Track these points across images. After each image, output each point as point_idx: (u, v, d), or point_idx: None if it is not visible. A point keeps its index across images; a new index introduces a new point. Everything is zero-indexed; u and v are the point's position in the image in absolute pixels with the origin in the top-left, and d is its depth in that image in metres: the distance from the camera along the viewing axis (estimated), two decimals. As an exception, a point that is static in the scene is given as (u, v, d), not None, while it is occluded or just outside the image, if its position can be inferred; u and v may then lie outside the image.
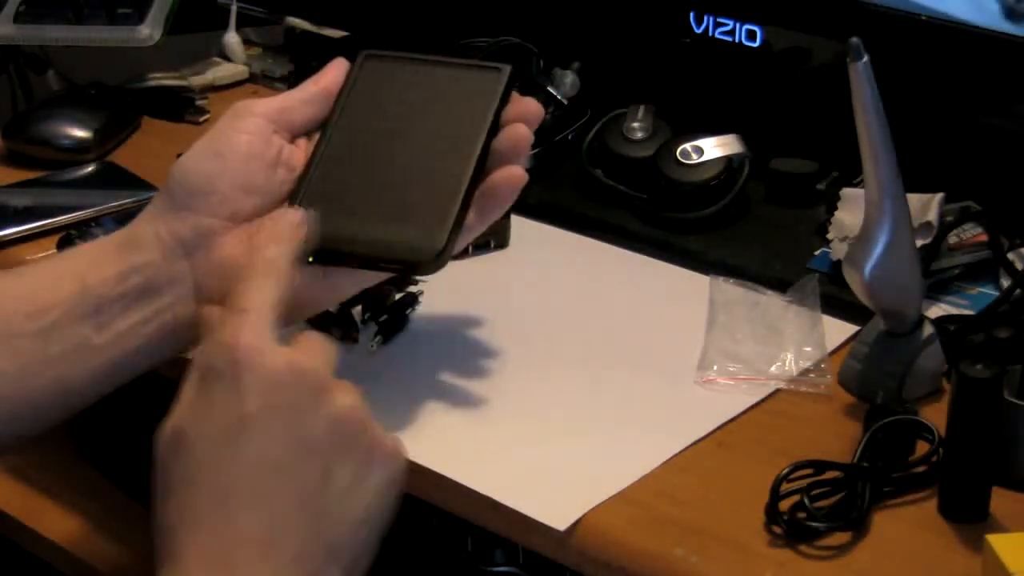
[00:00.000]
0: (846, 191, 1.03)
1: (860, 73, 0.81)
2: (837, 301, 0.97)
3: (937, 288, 0.99)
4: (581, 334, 0.98)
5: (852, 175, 1.03)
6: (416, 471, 0.80)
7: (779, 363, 0.92)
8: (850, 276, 0.87)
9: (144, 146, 1.29)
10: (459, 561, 0.91)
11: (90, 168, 1.23)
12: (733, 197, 1.09)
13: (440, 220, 0.82)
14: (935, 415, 0.84)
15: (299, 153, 0.87)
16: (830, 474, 0.81)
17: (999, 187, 1.03)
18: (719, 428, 0.88)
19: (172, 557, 0.67)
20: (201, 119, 1.32)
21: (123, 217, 1.01)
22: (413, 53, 0.90)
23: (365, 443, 0.71)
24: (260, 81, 1.40)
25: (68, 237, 1.09)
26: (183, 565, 0.67)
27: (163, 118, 1.33)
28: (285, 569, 0.67)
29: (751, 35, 1.13)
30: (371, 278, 0.87)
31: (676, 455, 0.85)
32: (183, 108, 1.33)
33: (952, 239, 0.99)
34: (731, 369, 0.92)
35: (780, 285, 0.99)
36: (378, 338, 0.95)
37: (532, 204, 1.10)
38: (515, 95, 0.88)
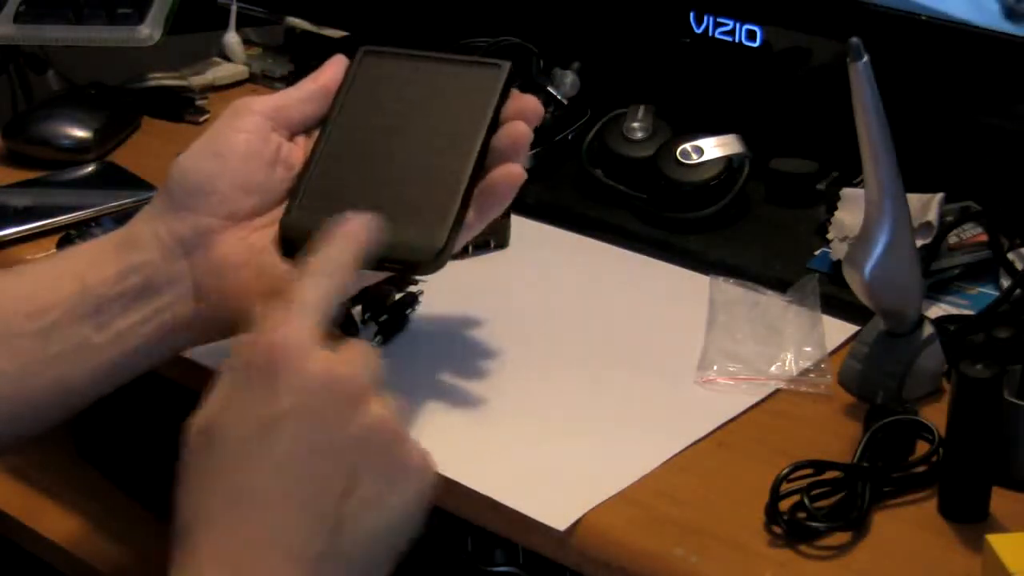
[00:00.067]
0: (846, 191, 1.03)
1: (860, 73, 0.81)
2: (837, 301, 0.97)
3: (937, 288, 0.99)
4: (581, 334, 0.98)
5: (852, 175, 1.03)
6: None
7: (779, 363, 0.92)
8: (850, 276, 0.87)
9: (144, 146, 1.29)
10: (459, 561, 0.91)
11: (90, 168, 1.23)
12: (733, 197, 1.09)
13: (440, 219, 0.82)
14: (935, 415, 0.84)
15: (298, 151, 0.87)
16: (830, 474, 0.81)
17: (999, 187, 1.03)
18: (719, 428, 0.88)
19: (187, 551, 0.67)
20: (201, 119, 1.32)
21: (123, 217, 1.01)
22: (412, 49, 0.90)
23: (395, 456, 0.70)
24: (260, 81, 1.40)
25: (68, 237, 1.09)
26: (196, 561, 0.67)
27: (163, 118, 1.33)
28: (299, 575, 0.67)
29: (751, 35, 1.13)
30: (370, 277, 0.86)
31: (676, 455, 0.85)
32: (183, 108, 1.33)
33: (952, 239, 0.99)
34: (731, 369, 0.92)
35: (780, 285, 0.99)
36: (378, 338, 0.95)
37: (532, 204, 1.10)
38: (515, 92, 0.87)
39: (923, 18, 1.03)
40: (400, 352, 0.96)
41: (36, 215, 1.13)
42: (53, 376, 0.82)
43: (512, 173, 0.85)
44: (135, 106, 1.32)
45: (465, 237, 0.86)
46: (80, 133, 1.24)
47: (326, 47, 1.36)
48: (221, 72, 1.39)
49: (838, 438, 0.86)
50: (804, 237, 1.06)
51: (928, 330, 0.89)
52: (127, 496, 1.09)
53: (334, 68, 0.88)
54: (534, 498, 0.81)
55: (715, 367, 0.92)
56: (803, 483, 0.80)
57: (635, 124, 1.13)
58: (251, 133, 0.85)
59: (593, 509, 0.81)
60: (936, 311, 0.97)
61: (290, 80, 1.36)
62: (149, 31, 1.29)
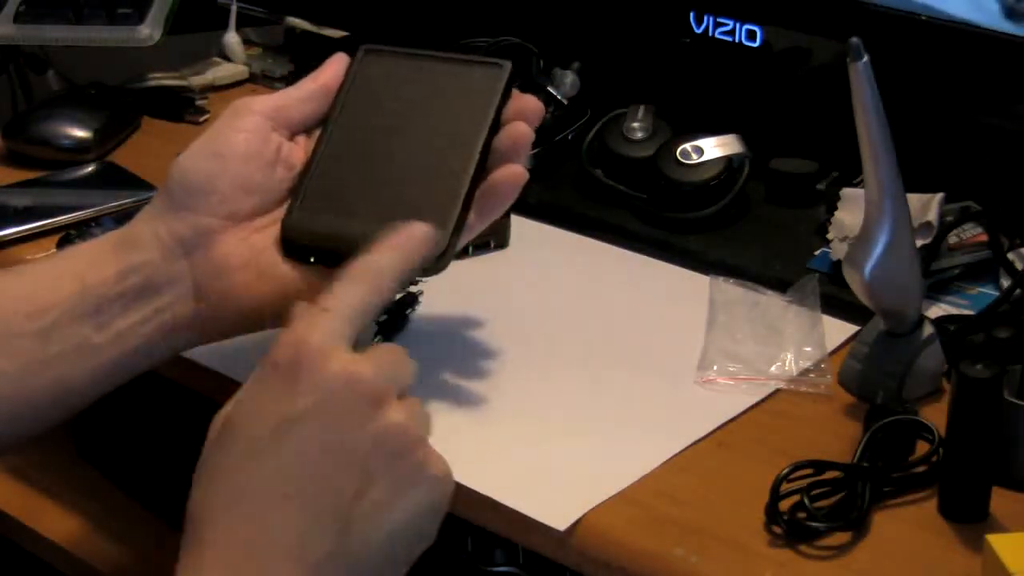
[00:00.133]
0: (846, 191, 1.03)
1: (860, 73, 0.81)
2: (837, 301, 0.97)
3: (937, 288, 0.99)
4: (581, 334, 0.98)
5: (852, 175, 1.03)
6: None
7: (779, 363, 0.92)
8: (850, 276, 0.87)
9: (144, 146, 1.29)
10: (459, 561, 0.91)
11: (90, 168, 1.23)
12: (733, 197, 1.09)
13: (441, 222, 0.82)
14: (935, 415, 0.84)
15: (298, 151, 0.87)
16: (830, 474, 0.81)
17: (999, 187, 1.03)
18: (719, 428, 0.88)
19: (191, 548, 0.67)
20: (201, 119, 1.32)
21: (123, 217, 1.01)
22: (412, 49, 0.90)
23: (411, 464, 0.69)
24: (260, 81, 1.40)
25: (68, 237, 1.09)
26: (199, 557, 0.67)
27: (163, 118, 1.33)
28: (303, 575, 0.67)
29: (751, 35, 1.13)
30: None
31: (676, 455, 0.85)
32: (183, 108, 1.33)
33: (952, 239, 0.99)
34: (731, 369, 0.92)
35: (780, 285, 0.99)
36: (378, 338, 0.95)
37: (532, 204, 1.10)
38: (516, 92, 0.87)
39: (923, 18, 1.03)
40: (400, 352, 0.96)
41: (36, 215, 1.13)
42: (53, 376, 0.82)
43: (514, 173, 0.85)
44: (135, 106, 1.32)
45: (466, 238, 0.85)
46: (80, 133, 1.24)
47: (326, 47, 1.36)
48: (221, 72, 1.39)
49: (838, 438, 0.86)
50: (804, 237, 1.06)
51: (928, 330, 0.89)
52: (127, 496, 1.09)
53: (335, 67, 0.88)
54: (534, 498, 0.81)
55: (715, 367, 0.92)
56: (803, 483, 0.80)
57: (635, 124, 1.13)
58: (251, 133, 0.84)
59: (593, 509, 0.81)
60: (936, 311, 0.97)
61: (290, 80, 1.36)
62: (149, 31, 1.29)
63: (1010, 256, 0.99)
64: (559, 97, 1.18)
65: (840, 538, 0.78)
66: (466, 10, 1.32)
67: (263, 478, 0.67)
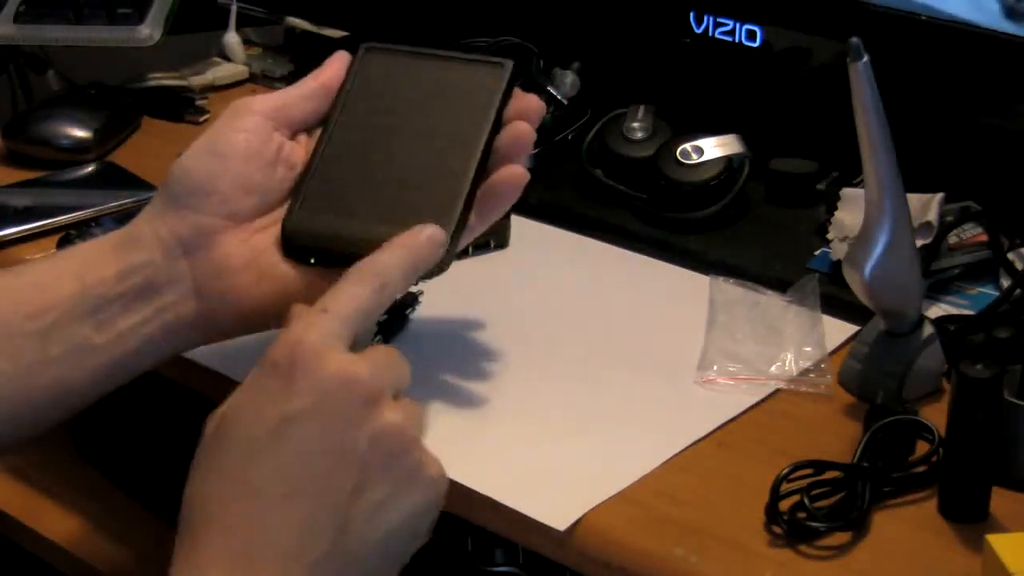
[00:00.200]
0: (846, 191, 1.03)
1: (860, 73, 0.81)
2: (837, 301, 0.97)
3: (937, 288, 0.99)
4: (581, 334, 0.98)
5: (852, 175, 1.03)
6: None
7: (779, 363, 0.92)
8: (850, 276, 0.87)
9: (144, 146, 1.29)
10: (459, 561, 0.91)
11: (90, 168, 1.23)
12: (733, 197, 1.09)
13: (443, 223, 0.82)
14: (935, 415, 0.84)
15: (299, 150, 0.87)
16: (830, 474, 0.81)
17: (999, 187, 1.03)
18: (719, 428, 0.88)
19: (187, 547, 0.67)
20: (201, 119, 1.32)
21: (123, 217, 1.01)
22: (414, 47, 0.89)
23: (406, 464, 0.70)
24: (260, 81, 1.40)
25: (68, 237, 1.09)
26: (196, 557, 0.67)
27: (163, 118, 1.33)
28: (300, 575, 0.67)
29: (751, 35, 1.13)
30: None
31: (676, 455, 0.85)
32: (183, 108, 1.33)
33: (952, 239, 0.99)
34: (731, 369, 0.92)
35: (780, 285, 0.99)
36: (378, 338, 0.95)
37: (532, 204, 1.10)
38: (517, 92, 0.87)
39: (923, 18, 1.03)
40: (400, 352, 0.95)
41: (36, 215, 1.13)
42: (53, 376, 0.82)
43: (515, 174, 0.85)
44: (135, 106, 1.32)
45: (467, 238, 0.85)
46: (80, 133, 1.24)
47: (326, 47, 1.36)
48: (221, 72, 1.39)
49: (838, 438, 0.86)
50: (804, 237, 1.06)
51: (928, 330, 0.89)
52: (127, 496, 1.09)
53: (336, 65, 0.88)
54: (534, 498, 0.81)
55: (715, 367, 0.92)
56: (803, 483, 0.80)
57: (635, 124, 1.13)
58: (251, 133, 0.84)
59: (593, 509, 0.81)
60: (936, 311, 0.97)
61: (290, 80, 1.35)
62: (149, 31, 1.29)
63: (1010, 256, 0.99)
64: (559, 97, 1.18)
65: (840, 538, 0.78)
66: (466, 10, 1.32)
67: (262, 478, 0.67)
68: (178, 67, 1.38)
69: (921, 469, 0.82)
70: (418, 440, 0.71)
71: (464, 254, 1.04)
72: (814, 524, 0.78)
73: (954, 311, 0.97)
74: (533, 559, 0.87)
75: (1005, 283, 0.98)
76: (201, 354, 0.90)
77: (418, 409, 0.71)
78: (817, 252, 1.04)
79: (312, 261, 0.83)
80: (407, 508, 0.70)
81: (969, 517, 0.79)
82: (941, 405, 0.86)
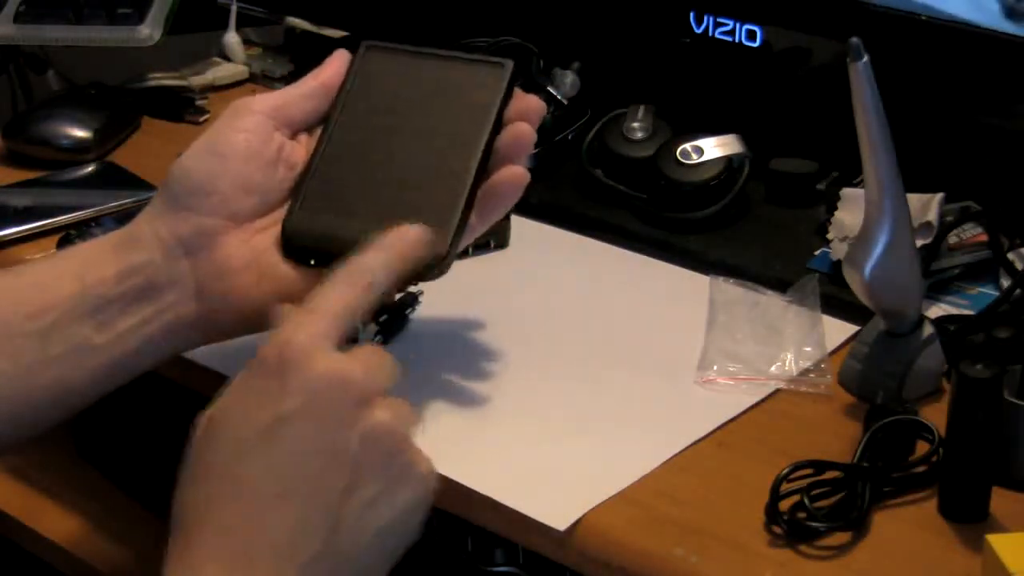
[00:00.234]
0: (846, 191, 1.03)
1: (860, 73, 0.81)
2: (837, 301, 0.97)
3: (937, 288, 0.99)
4: (581, 334, 0.98)
5: (852, 175, 1.03)
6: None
7: (779, 363, 0.92)
8: (850, 276, 0.87)
9: (144, 146, 1.29)
10: (459, 561, 0.91)
11: (90, 168, 1.23)
12: (733, 197, 1.09)
13: (443, 225, 0.82)
14: (935, 415, 0.84)
15: (300, 149, 0.86)
16: (830, 474, 0.81)
17: (999, 187, 1.03)
18: (719, 428, 0.88)
19: (181, 547, 0.67)
20: (201, 119, 1.32)
21: (123, 217, 1.01)
22: (414, 46, 0.89)
23: (398, 462, 0.70)
24: (260, 81, 1.40)
25: (68, 237, 1.09)
26: (191, 557, 0.67)
27: (163, 118, 1.33)
28: (295, 574, 0.67)
29: (751, 35, 1.13)
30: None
31: (676, 455, 0.85)
32: (183, 108, 1.33)
33: (952, 239, 0.99)
34: (731, 369, 0.92)
35: (780, 285, 0.99)
36: (378, 338, 0.95)
37: (532, 204, 1.10)
38: (518, 92, 0.87)
39: (923, 18, 1.03)
40: (400, 352, 0.95)
41: (36, 215, 1.13)
42: (53, 376, 0.82)
43: (516, 175, 0.85)
44: (135, 106, 1.32)
45: (467, 239, 0.85)
46: (80, 133, 1.24)
47: (326, 47, 1.36)
48: (221, 72, 1.39)
49: (838, 438, 0.86)
50: (804, 237, 1.06)
51: (928, 330, 0.89)
52: (127, 496, 1.09)
53: (336, 64, 0.88)
54: (534, 498, 0.81)
55: (715, 367, 0.92)
56: (803, 483, 0.80)
57: (635, 124, 1.13)
58: (251, 133, 0.84)
59: (593, 509, 0.81)
60: (936, 311, 0.97)
61: (290, 80, 1.35)
62: (149, 31, 1.29)
63: (1010, 256, 0.99)
64: (559, 97, 1.18)
65: (840, 538, 0.78)
66: (466, 10, 1.32)
67: (256, 478, 0.67)
68: (178, 67, 1.38)
69: (921, 469, 0.82)
70: (409, 438, 0.71)
71: (464, 254, 1.04)
72: (814, 524, 0.78)
73: (954, 311, 0.97)
74: (533, 559, 0.87)
75: (1005, 283, 0.98)
76: (201, 354, 0.90)
77: (406, 407, 0.71)
78: (817, 252, 1.04)
79: (312, 263, 0.83)
80: (399, 506, 0.70)
81: (969, 517, 0.79)
82: (941, 405, 0.86)
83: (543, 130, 1.01)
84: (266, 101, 0.86)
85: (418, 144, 0.86)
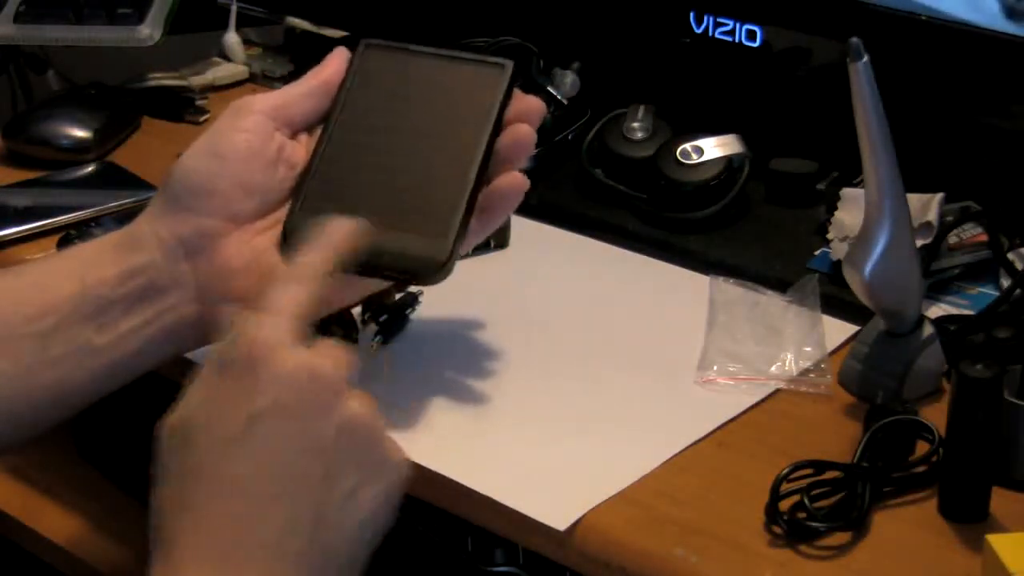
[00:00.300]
0: (846, 191, 1.03)
1: (860, 73, 0.81)
2: (837, 301, 0.97)
3: (937, 288, 0.99)
4: (581, 334, 0.98)
5: (852, 175, 1.03)
6: (416, 471, 0.79)
7: (779, 363, 0.92)
8: (850, 276, 0.87)
9: (144, 146, 1.29)
10: (459, 561, 0.91)
11: (90, 168, 1.23)
12: (733, 197, 1.09)
13: (444, 228, 0.82)
14: (935, 415, 0.84)
15: (300, 149, 0.86)
16: (830, 474, 0.81)
17: (999, 187, 1.03)
18: (719, 428, 0.88)
19: (165, 550, 0.67)
20: (201, 119, 1.32)
21: (123, 217, 1.01)
22: (414, 45, 0.89)
23: (374, 452, 0.70)
24: (260, 81, 1.40)
25: (68, 237, 1.09)
26: (177, 558, 0.67)
27: (163, 118, 1.33)
28: (284, 571, 0.67)
29: (751, 35, 1.13)
30: (373, 285, 0.86)
31: (676, 455, 0.85)
32: (183, 108, 1.33)
33: (952, 239, 0.99)
34: (731, 369, 0.92)
35: (780, 285, 0.99)
36: (378, 338, 0.95)
37: (532, 204, 1.10)
38: (518, 93, 0.87)
39: (923, 18, 1.03)
40: (400, 352, 0.96)
41: (36, 215, 1.13)
42: (54, 377, 0.82)
43: (516, 180, 0.85)
44: (135, 106, 1.32)
45: (469, 243, 0.85)
46: (80, 133, 1.24)
47: (326, 47, 1.35)
48: (221, 72, 1.39)
49: (838, 438, 0.86)
50: (804, 237, 1.06)
51: (928, 330, 0.89)
52: (127, 496, 1.09)
53: (336, 62, 0.88)
54: (534, 498, 0.81)
55: (715, 367, 0.92)
56: (803, 483, 0.80)
57: (635, 124, 1.13)
58: (252, 133, 0.84)
59: (593, 509, 0.81)
60: (936, 311, 0.97)
61: (290, 80, 1.35)
62: (149, 31, 1.29)
63: (1010, 256, 0.99)
64: (559, 97, 1.18)
65: (840, 538, 0.78)
66: (466, 10, 1.32)
67: (245, 478, 0.68)
68: (178, 67, 1.38)
69: (921, 469, 0.82)
70: (382, 427, 0.71)
71: (464, 254, 1.04)
72: (814, 524, 0.78)
73: (954, 311, 0.97)
74: (533, 559, 0.87)
75: (1005, 283, 0.98)
76: (201, 354, 0.89)
77: (371, 398, 0.71)
78: (817, 252, 1.04)
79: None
80: (379, 495, 0.70)
81: (969, 517, 0.79)
82: (941, 405, 0.86)
83: (543, 130, 1.01)
84: (266, 101, 0.86)
85: (419, 144, 0.86)
